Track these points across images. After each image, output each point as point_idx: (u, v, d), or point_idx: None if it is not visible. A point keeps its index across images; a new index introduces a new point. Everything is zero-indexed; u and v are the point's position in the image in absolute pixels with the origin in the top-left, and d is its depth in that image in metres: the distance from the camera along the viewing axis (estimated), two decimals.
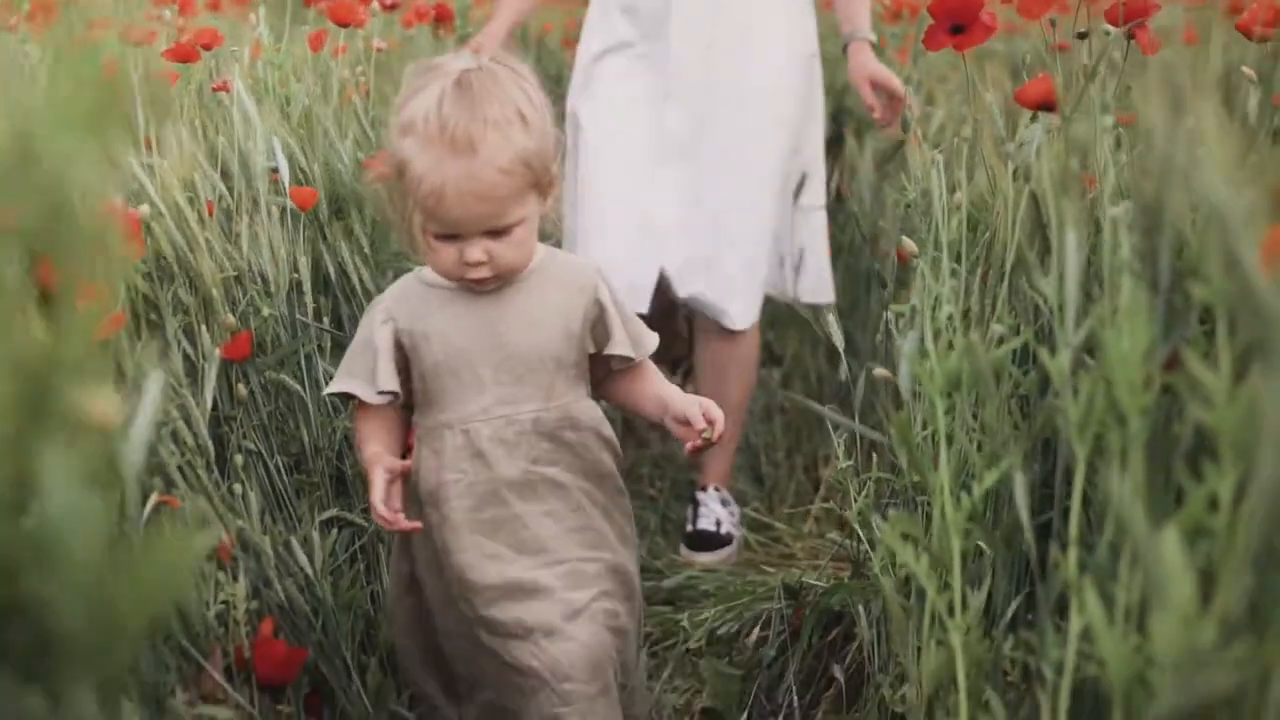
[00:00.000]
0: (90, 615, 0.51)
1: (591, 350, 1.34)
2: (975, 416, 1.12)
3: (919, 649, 1.07)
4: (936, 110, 2.56)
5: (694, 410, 1.30)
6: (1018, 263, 1.18)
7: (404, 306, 1.31)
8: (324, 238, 1.85)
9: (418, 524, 1.28)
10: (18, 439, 0.51)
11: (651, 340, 1.37)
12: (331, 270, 1.83)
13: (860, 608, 1.50)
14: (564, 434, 1.31)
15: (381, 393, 1.29)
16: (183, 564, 0.47)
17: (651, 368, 1.39)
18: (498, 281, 1.28)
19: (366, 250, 1.88)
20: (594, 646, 1.27)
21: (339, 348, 1.69)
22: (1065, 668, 0.89)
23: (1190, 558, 0.72)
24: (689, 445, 1.30)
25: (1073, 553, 0.89)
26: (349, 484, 1.65)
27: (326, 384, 1.70)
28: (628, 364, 1.35)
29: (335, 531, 1.53)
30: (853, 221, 2.57)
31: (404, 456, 1.34)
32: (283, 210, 1.65)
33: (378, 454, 1.29)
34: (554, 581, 1.28)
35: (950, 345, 1.09)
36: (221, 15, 3.20)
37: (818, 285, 2.16)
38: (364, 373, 1.31)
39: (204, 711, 1.12)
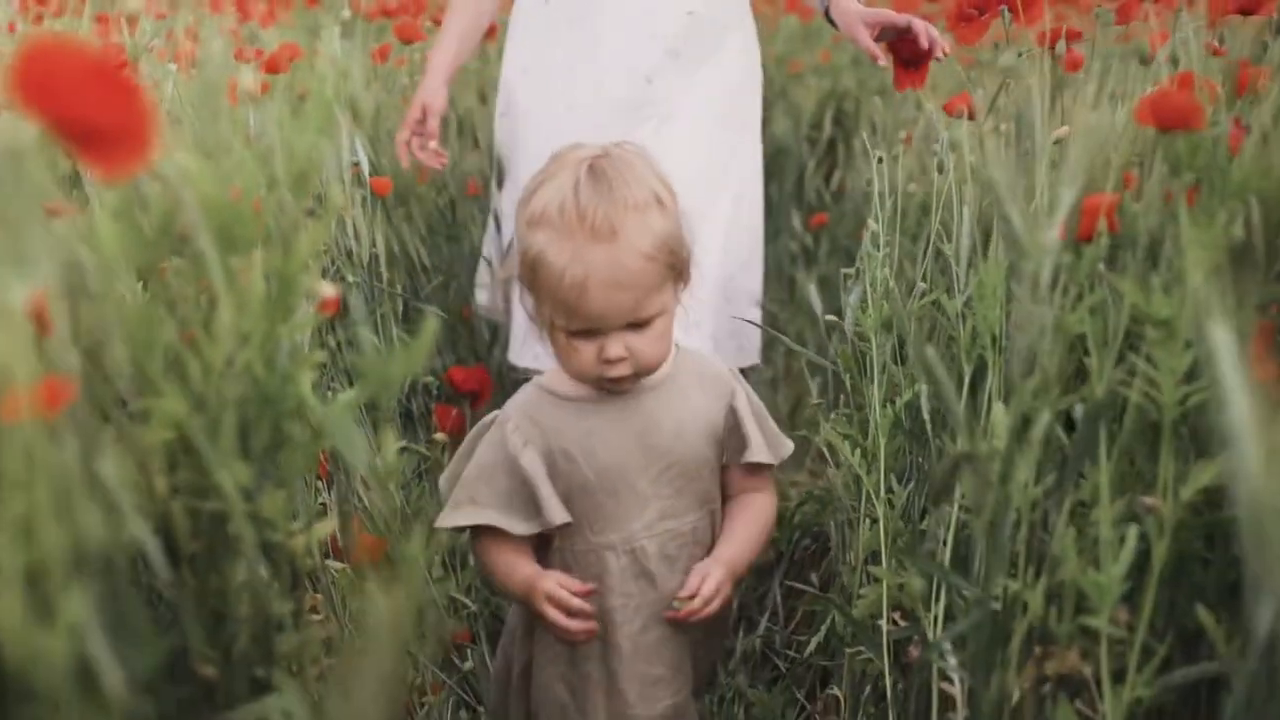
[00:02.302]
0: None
1: (723, 461, 1.27)
2: (903, 350, 1.47)
3: (851, 524, 1.41)
4: (922, 113, 2.89)
5: (693, 577, 1.20)
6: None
7: (536, 424, 1.21)
8: (390, 221, 2.22)
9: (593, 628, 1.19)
10: (272, 316, 0.87)
11: (785, 448, 1.29)
12: (396, 248, 2.19)
13: (831, 522, 1.84)
14: (708, 536, 1.26)
15: (557, 526, 1.19)
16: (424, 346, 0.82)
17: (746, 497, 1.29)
18: (635, 380, 1.20)
19: (424, 233, 2.25)
20: None
21: (407, 310, 2.04)
22: (951, 522, 1.23)
23: (1022, 429, 1.07)
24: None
25: (960, 438, 1.23)
26: (415, 421, 2.01)
27: (397, 343, 2.03)
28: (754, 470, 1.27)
29: (404, 456, 1.89)
30: (849, 213, 2.91)
31: None
32: (363, 198, 2.01)
33: (541, 572, 1.20)
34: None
35: (884, 297, 1.44)
36: (288, 27, 3.57)
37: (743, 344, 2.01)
38: (494, 501, 1.19)
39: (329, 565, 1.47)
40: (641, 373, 1.19)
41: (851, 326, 1.43)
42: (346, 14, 2.24)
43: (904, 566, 1.34)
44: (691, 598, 1.19)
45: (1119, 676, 0.99)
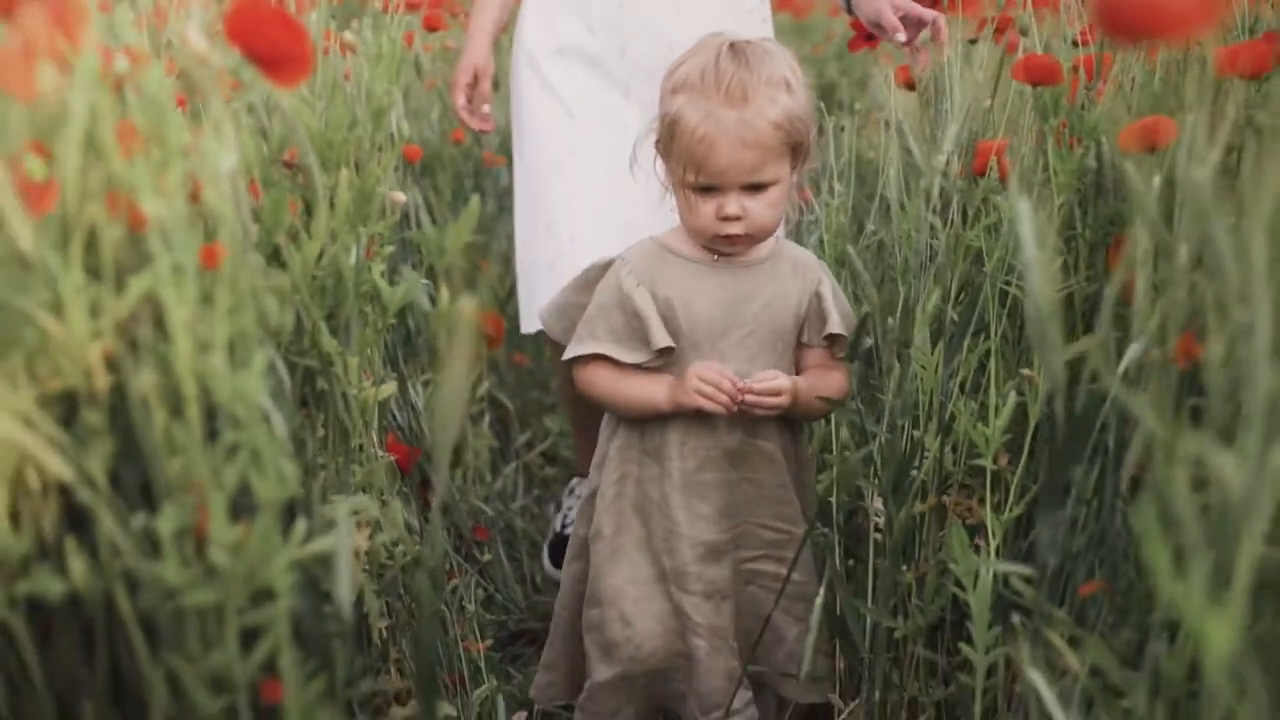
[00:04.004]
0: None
1: (804, 340, 1.40)
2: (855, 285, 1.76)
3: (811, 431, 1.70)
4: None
5: (767, 372, 1.33)
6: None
7: (648, 270, 1.36)
8: (418, 187, 2.51)
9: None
10: (354, 220, 1.16)
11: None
12: (424, 209, 2.49)
13: None
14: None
15: (659, 351, 1.33)
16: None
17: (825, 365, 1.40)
18: (748, 244, 1.35)
19: (449, 198, 2.54)
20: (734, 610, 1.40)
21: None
22: (886, 413, 1.52)
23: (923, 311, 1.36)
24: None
25: (894, 347, 1.52)
26: (440, 358, 2.30)
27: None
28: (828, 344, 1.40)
29: (432, 386, 2.18)
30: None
31: None
32: (396, 165, 2.30)
33: (673, 377, 1.34)
34: (730, 545, 1.39)
35: (838, 237, 1.73)
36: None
37: None
38: (609, 334, 1.36)
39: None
40: (755, 235, 1.33)
41: None
42: (377, 4, 2.52)
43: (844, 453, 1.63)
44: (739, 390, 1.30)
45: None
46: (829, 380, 1.39)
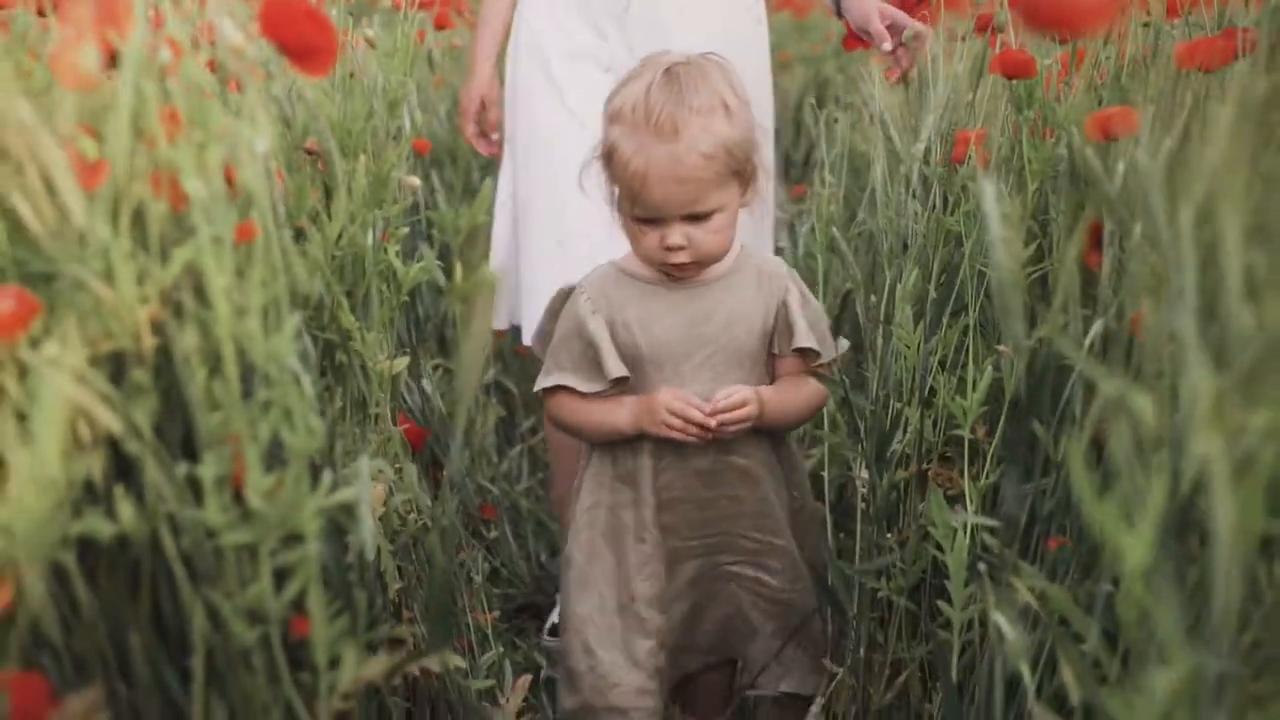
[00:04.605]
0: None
1: (775, 351, 1.39)
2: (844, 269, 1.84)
3: None
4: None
5: (724, 390, 1.33)
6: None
7: (604, 295, 1.36)
8: (427, 179, 2.60)
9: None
10: (369, 201, 1.24)
11: (835, 348, 1.40)
12: (434, 199, 2.57)
13: None
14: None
15: (614, 380, 1.33)
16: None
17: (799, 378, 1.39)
18: (697, 269, 1.33)
19: (458, 191, 2.62)
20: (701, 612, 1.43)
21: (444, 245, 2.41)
22: (874, 388, 1.60)
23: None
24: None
25: (878, 325, 1.60)
26: (448, 343, 2.38)
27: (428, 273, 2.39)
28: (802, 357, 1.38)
29: (440, 371, 2.26)
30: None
31: None
32: (407, 156, 2.39)
33: (650, 395, 1.33)
34: (700, 550, 1.41)
35: (829, 224, 1.81)
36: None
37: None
38: (570, 364, 1.36)
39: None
40: (702, 261, 1.32)
41: (803, 248, 1.80)
42: (388, 2, 2.61)
43: (834, 428, 1.71)
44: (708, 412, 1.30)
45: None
46: (801, 389, 1.38)
